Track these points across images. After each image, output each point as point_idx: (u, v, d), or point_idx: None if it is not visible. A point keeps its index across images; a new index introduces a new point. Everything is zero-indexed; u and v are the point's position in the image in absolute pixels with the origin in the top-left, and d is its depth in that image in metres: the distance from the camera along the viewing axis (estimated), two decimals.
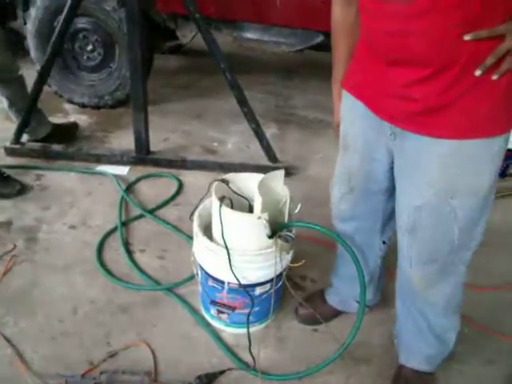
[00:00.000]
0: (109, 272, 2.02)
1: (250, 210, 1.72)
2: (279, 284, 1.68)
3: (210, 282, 1.68)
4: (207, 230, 1.66)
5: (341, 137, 1.51)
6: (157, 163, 2.81)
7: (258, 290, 1.66)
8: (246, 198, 1.69)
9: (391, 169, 1.42)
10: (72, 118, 3.38)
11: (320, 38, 3.08)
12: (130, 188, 2.63)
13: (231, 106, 3.63)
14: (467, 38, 1.03)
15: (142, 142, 2.76)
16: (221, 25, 3.17)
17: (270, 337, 1.80)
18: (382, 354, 1.79)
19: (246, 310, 1.69)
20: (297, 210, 1.61)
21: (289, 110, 3.81)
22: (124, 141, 3.04)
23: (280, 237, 1.53)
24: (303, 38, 3.13)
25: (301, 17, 3.04)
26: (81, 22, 3.31)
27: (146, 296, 1.93)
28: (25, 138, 2.92)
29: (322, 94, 4.13)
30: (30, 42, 3.35)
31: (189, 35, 3.43)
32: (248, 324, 1.62)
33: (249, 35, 3.16)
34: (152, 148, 2.88)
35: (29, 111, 2.73)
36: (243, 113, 2.64)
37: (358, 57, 1.38)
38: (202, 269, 1.68)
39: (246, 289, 1.59)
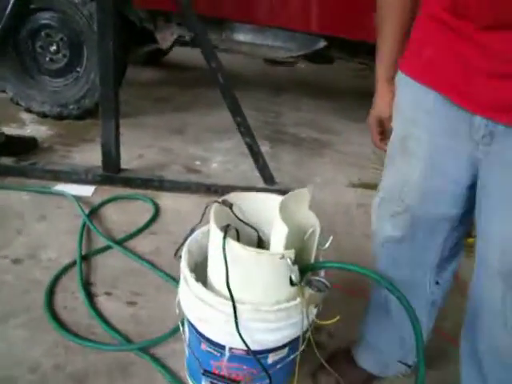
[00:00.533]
0: (61, 324, 1.50)
1: (259, 244, 1.26)
2: (301, 348, 1.20)
3: (204, 347, 1.19)
4: (198, 273, 1.18)
5: (394, 138, 1.10)
6: (128, 183, 2.32)
7: (272, 358, 1.18)
8: (254, 228, 1.22)
9: (470, 188, 1.01)
10: (29, 130, 2.88)
11: (322, 44, 2.69)
12: (94, 212, 2.12)
13: (215, 121, 3.26)
14: None
15: (111, 157, 2.28)
16: (207, 26, 2.73)
17: None
18: None
19: None
20: (327, 245, 1.16)
21: (280, 128, 3.41)
22: (89, 156, 2.55)
23: (309, 283, 1.07)
24: (302, 42, 2.74)
25: (300, 18, 2.65)
26: (44, 18, 2.86)
27: (112, 358, 1.42)
28: None
29: (315, 111, 3.79)
30: None
31: (169, 38, 2.99)
32: None
33: (240, 37, 2.75)
34: (123, 165, 2.39)
35: None
36: (236, 124, 2.19)
37: (424, 28, 0.97)
38: (193, 327, 1.19)
39: (258, 358, 1.11)
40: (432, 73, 0.96)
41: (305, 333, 1.17)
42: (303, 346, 1.20)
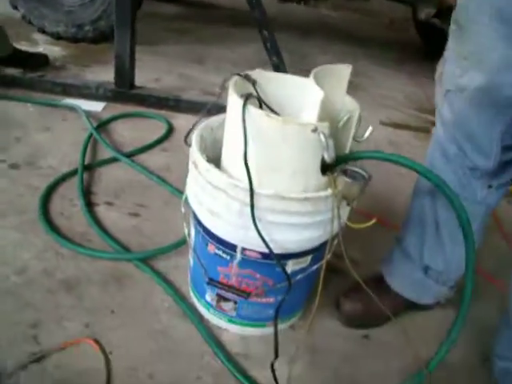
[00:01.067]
0: (54, 229, 1.34)
1: None
2: (328, 256, 1.01)
3: (211, 248, 1.00)
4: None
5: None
6: (142, 101, 2.13)
7: (291, 266, 0.99)
8: (278, 114, 1.02)
9: None
10: (41, 49, 2.67)
11: None
12: (102, 127, 1.94)
13: (237, 55, 3.04)
14: None
15: (124, 71, 2.08)
16: None
17: (297, 344, 1.13)
18: (471, 380, 1.15)
19: (267, 299, 1.03)
20: (367, 135, 0.95)
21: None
22: (103, 76, 2.34)
23: (344, 172, 0.87)
24: None
25: None
26: None
27: (107, 268, 1.25)
28: None
29: (343, 56, 3.52)
30: None
31: None
32: (276, 321, 0.94)
33: None
34: (138, 85, 2.20)
35: None
36: (262, 39, 1.96)
37: None
38: (200, 225, 1.00)
39: (271, 261, 0.92)
40: None
41: (333, 238, 0.97)
42: (329, 255, 1.00)
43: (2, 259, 1.22)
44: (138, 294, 1.20)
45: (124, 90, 2.10)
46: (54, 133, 1.85)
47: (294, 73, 1.04)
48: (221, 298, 1.07)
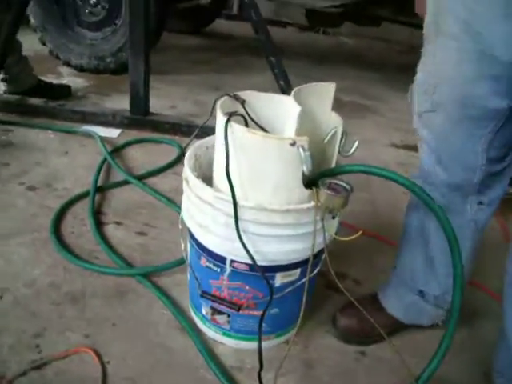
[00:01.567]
0: (64, 246, 1.41)
1: None
2: (315, 271, 1.04)
3: (203, 261, 1.05)
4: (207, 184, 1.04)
5: (429, 15, 0.91)
6: (156, 127, 2.22)
7: (280, 279, 1.02)
8: (267, 131, 1.06)
9: None
10: (65, 81, 2.83)
11: None
12: (117, 151, 2.03)
13: (253, 82, 3.13)
14: None
15: (139, 99, 2.18)
16: None
17: (292, 359, 1.15)
18: None
19: (259, 312, 1.06)
20: (352, 150, 0.99)
21: None
22: (120, 104, 2.46)
23: (325, 185, 0.90)
24: None
25: None
26: None
27: (111, 283, 1.31)
28: (2, 88, 2.37)
29: (359, 80, 3.58)
30: None
31: None
32: (260, 335, 0.97)
33: None
34: (154, 112, 2.30)
35: (3, 51, 2.17)
36: (269, 64, 2.04)
37: None
38: (193, 239, 1.05)
39: (264, 273, 0.95)
40: None
41: (318, 252, 1.00)
42: (317, 269, 1.03)
43: (13, 273, 1.29)
44: (139, 308, 1.24)
45: (139, 117, 2.20)
46: (72, 157, 1.95)
47: None
48: (215, 311, 1.11)
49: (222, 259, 0.99)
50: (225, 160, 0.86)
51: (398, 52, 4.72)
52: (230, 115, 0.88)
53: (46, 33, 2.94)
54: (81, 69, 2.98)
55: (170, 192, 1.76)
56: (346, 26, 4.23)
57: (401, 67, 4.11)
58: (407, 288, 1.20)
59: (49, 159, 1.91)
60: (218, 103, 0.97)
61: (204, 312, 1.14)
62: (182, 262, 1.35)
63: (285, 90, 2.09)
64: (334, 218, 0.96)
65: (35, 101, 2.31)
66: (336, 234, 1.02)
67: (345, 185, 0.92)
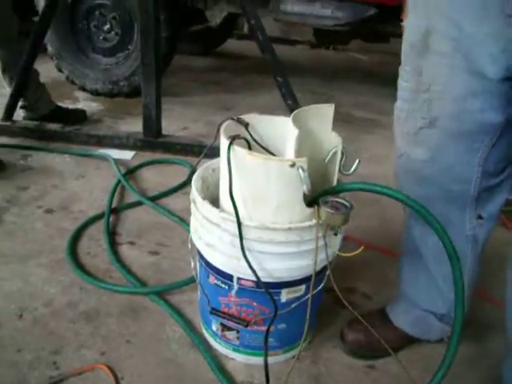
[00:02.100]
0: (80, 266, 1.46)
1: None
2: (320, 286, 1.07)
3: (212, 279, 1.08)
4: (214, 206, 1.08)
5: (414, 35, 0.94)
6: (168, 148, 2.28)
7: (286, 295, 1.05)
8: (271, 153, 1.11)
9: (507, 81, 0.85)
10: (81, 106, 2.93)
11: (372, 11, 2.54)
12: (131, 173, 2.10)
13: (265, 101, 3.18)
14: None
15: (151, 122, 2.25)
16: None
17: (301, 373, 1.17)
18: None
19: (266, 327, 1.09)
20: (353, 169, 1.02)
21: None
22: (134, 126, 2.54)
23: (326, 203, 0.94)
24: (352, 11, 2.60)
25: None
26: None
27: (125, 301, 1.35)
28: (21, 114, 2.47)
29: (370, 96, 3.61)
30: None
31: (218, 15, 2.96)
32: (266, 350, 1.00)
33: (287, 8, 2.65)
34: (166, 133, 2.37)
35: (22, 80, 2.27)
36: (277, 84, 2.09)
37: None
38: (202, 258, 1.09)
39: (268, 290, 0.99)
40: None
41: (322, 269, 1.03)
42: (322, 285, 1.06)
43: (32, 293, 1.35)
44: (152, 325, 1.28)
45: (151, 139, 2.27)
46: (87, 180, 2.02)
47: None
48: (224, 328, 1.14)
49: (230, 277, 1.03)
50: (228, 182, 0.91)
51: None
52: (233, 139, 0.93)
53: (62, 60, 3.05)
54: (96, 93, 3.08)
55: (181, 211, 1.81)
56: (356, 42, 4.29)
57: None
58: (413, 304, 1.22)
59: (65, 182, 1.98)
60: (222, 127, 1.01)
61: (214, 328, 1.17)
62: (193, 280, 1.39)
63: (293, 108, 2.13)
64: (336, 234, 1.00)
65: (53, 126, 2.39)
66: (339, 250, 1.05)
67: (345, 202, 0.95)
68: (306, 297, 1.06)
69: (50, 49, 3.01)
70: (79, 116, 2.67)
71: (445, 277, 1.11)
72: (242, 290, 1.04)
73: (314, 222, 0.94)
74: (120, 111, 2.87)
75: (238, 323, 1.08)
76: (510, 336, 1.03)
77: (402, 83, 1.00)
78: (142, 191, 1.96)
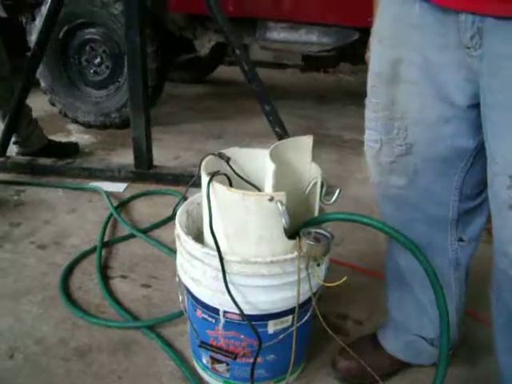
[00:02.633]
0: (72, 302, 1.47)
1: None
2: (306, 317, 1.08)
3: (199, 313, 1.10)
4: (200, 240, 1.10)
5: (384, 66, 0.96)
6: (160, 179, 2.31)
7: (273, 327, 1.06)
8: (253, 185, 1.13)
9: (474, 107, 0.87)
10: (74, 138, 2.97)
11: (357, 35, 2.60)
12: (123, 206, 2.12)
13: (254, 128, 3.22)
14: None
15: (142, 154, 2.28)
16: (240, 26, 2.72)
17: None
18: None
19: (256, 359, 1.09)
20: (334, 199, 1.04)
21: (323, 132, 3.30)
22: (125, 158, 2.57)
23: (307, 235, 0.96)
24: (337, 36, 2.66)
25: (335, 12, 2.58)
26: (88, 32, 2.99)
27: (117, 336, 1.36)
28: (14, 150, 2.50)
29: (360, 117, 3.61)
30: None
31: (207, 45, 3.02)
32: (252, 382, 1.01)
33: (273, 36, 2.72)
34: (159, 166, 2.40)
35: (14, 116, 2.31)
36: (264, 112, 2.13)
37: None
38: (189, 292, 1.11)
39: (253, 322, 1.00)
40: None
41: (308, 299, 1.04)
42: (308, 315, 1.07)
43: (23, 331, 1.36)
44: (144, 360, 1.28)
45: (143, 171, 2.30)
46: (80, 214, 2.04)
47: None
48: (214, 360, 1.14)
49: (216, 310, 1.04)
50: (208, 218, 0.93)
51: None
52: (212, 175, 0.95)
53: (54, 94, 3.10)
54: (88, 125, 3.12)
55: (173, 243, 1.80)
56: (345, 64, 4.37)
57: None
58: (403, 329, 1.23)
59: (58, 217, 2.00)
60: (203, 162, 1.04)
61: (204, 361, 1.18)
62: (183, 312, 1.40)
63: (281, 135, 2.17)
64: (319, 265, 1.01)
65: (45, 161, 2.42)
66: (324, 279, 1.06)
67: (326, 233, 0.97)
68: (293, 328, 1.07)
69: (42, 84, 3.06)
70: (72, 149, 2.70)
71: (432, 302, 1.12)
72: (229, 323, 1.05)
73: (295, 254, 0.96)
74: (112, 143, 2.90)
75: (227, 356, 1.09)
76: (500, 359, 1.04)
77: (370, 115, 1.02)
78: (135, 223, 1.98)
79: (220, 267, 0.94)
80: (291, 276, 0.98)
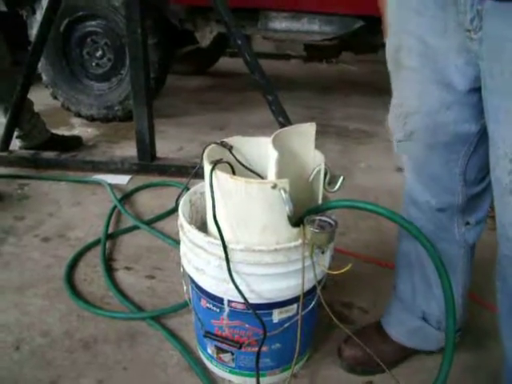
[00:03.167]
0: (77, 294, 1.47)
1: None
2: (310, 306, 1.07)
3: (204, 303, 1.09)
4: (204, 229, 1.09)
5: (389, 53, 0.97)
6: (163, 171, 2.30)
7: (277, 315, 1.06)
8: (257, 174, 1.12)
9: (475, 92, 0.86)
10: (77, 131, 2.96)
11: (359, 24, 2.57)
12: (126, 198, 2.11)
13: (257, 118, 3.21)
14: None
15: (145, 145, 2.27)
16: (242, 17, 2.70)
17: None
18: None
19: (261, 348, 1.09)
20: (337, 187, 1.03)
21: (327, 122, 3.28)
22: (129, 150, 2.57)
23: (311, 222, 0.95)
24: (339, 25, 2.63)
25: (337, 1, 2.56)
26: (89, 25, 2.97)
27: (122, 327, 1.36)
28: (17, 144, 2.50)
29: (364, 107, 3.63)
30: None
31: (208, 36, 3.00)
32: (258, 371, 1.00)
33: (276, 26, 2.69)
34: (163, 157, 2.39)
35: (16, 110, 2.30)
36: (267, 102, 2.12)
37: None
38: (193, 282, 1.10)
39: (258, 311, 0.99)
40: None
41: (313, 287, 1.04)
42: (313, 303, 1.07)
43: (29, 323, 1.36)
44: (149, 350, 1.28)
45: (146, 163, 2.29)
46: (83, 206, 2.04)
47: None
48: (219, 350, 1.14)
49: (220, 300, 1.04)
50: (211, 207, 0.92)
51: None
52: (215, 163, 0.94)
53: (56, 88, 3.09)
54: (91, 119, 3.11)
55: (176, 234, 1.79)
56: (348, 53, 4.33)
57: None
58: (409, 312, 1.22)
59: (62, 210, 2.00)
60: (206, 151, 1.03)
61: (210, 351, 1.17)
62: (188, 303, 1.40)
63: (284, 125, 2.15)
64: (323, 252, 1.00)
65: (48, 154, 2.42)
66: (329, 267, 1.06)
67: (330, 221, 0.96)
68: (297, 316, 1.06)
69: (44, 78, 3.05)
70: (75, 143, 2.70)
71: (437, 282, 1.12)
72: (234, 313, 1.04)
73: (299, 242, 0.95)
74: (115, 135, 2.90)
75: (232, 345, 1.08)
76: (506, 345, 1.03)
77: (392, 98, 1.03)
78: (138, 215, 1.97)
79: (224, 256, 0.93)
80: (296, 264, 0.97)
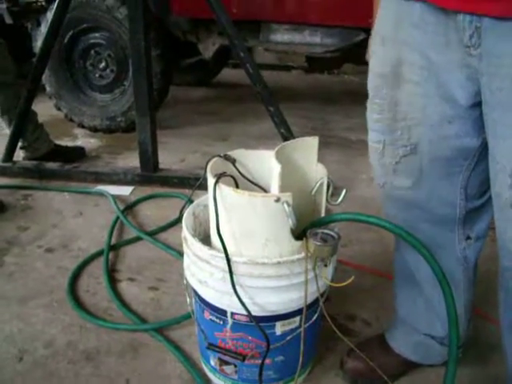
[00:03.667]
0: (80, 305, 1.47)
1: None
2: (313, 318, 1.07)
3: (207, 315, 1.10)
4: (207, 242, 1.10)
5: (380, 65, 0.96)
6: (166, 182, 2.31)
7: (280, 328, 1.06)
8: (260, 187, 1.13)
9: (477, 106, 0.87)
10: (80, 142, 2.99)
11: (361, 36, 2.60)
12: (129, 209, 2.12)
13: (260, 130, 3.23)
14: None
15: (147, 156, 2.29)
16: (244, 29, 2.73)
17: None
18: None
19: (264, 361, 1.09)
20: (340, 199, 1.04)
21: (328, 133, 3.30)
22: (131, 161, 2.59)
23: (314, 235, 0.95)
24: (341, 37, 2.66)
25: (339, 13, 2.58)
26: (93, 37, 3.00)
27: (125, 338, 1.36)
28: (21, 155, 2.52)
29: (364, 117, 3.63)
30: None
31: (211, 48, 3.03)
32: (261, 383, 1.01)
33: (277, 38, 2.72)
34: (165, 169, 2.40)
35: (20, 122, 2.32)
36: (269, 114, 2.13)
37: None
38: (196, 294, 1.11)
39: (261, 324, 1.00)
40: None
41: (316, 300, 1.04)
42: (315, 316, 1.07)
43: (32, 334, 1.36)
44: (152, 362, 1.28)
45: (149, 174, 2.30)
46: (86, 217, 2.05)
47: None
48: (222, 362, 1.14)
49: (224, 312, 1.04)
50: (215, 220, 0.93)
51: None
52: (219, 177, 0.95)
53: (60, 99, 3.12)
54: (94, 130, 3.14)
55: (180, 245, 1.81)
56: (349, 64, 4.37)
57: None
58: (412, 329, 1.22)
59: (65, 221, 2.01)
60: (209, 164, 1.04)
61: (213, 363, 1.18)
62: (190, 314, 1.40)
63: (286, 137, 2.17)
64: (326, 265, 1.01)
65: (52, 165, 2.44)
66: (332, 280, 1.06)
67: (333, 233, 0.97)
68: (300, 329, 1.06)
69: (48, 89, 3.08)
70: (78, 154, 2.72)
71: (440, 300, 1.11)
72: (237, 325, 1.05)
73: (302, 255, 0.95)
74: (118, 146, 2.92)
75: (235, 358, 1.08)
76: (508, 358, 1.03)
77: (373, 116, 1.02)
78: (141, 226, 1.98)
79: (227, 268, 0.94)
80: (298, 277, 0.98)
